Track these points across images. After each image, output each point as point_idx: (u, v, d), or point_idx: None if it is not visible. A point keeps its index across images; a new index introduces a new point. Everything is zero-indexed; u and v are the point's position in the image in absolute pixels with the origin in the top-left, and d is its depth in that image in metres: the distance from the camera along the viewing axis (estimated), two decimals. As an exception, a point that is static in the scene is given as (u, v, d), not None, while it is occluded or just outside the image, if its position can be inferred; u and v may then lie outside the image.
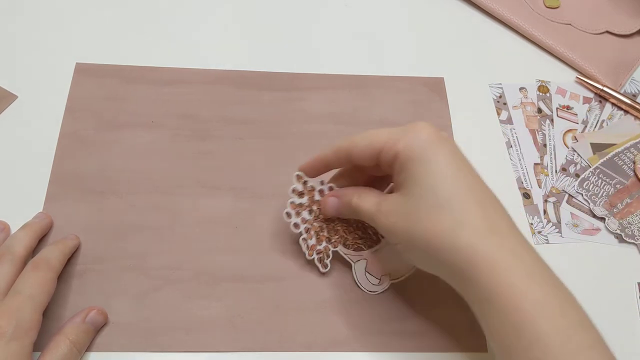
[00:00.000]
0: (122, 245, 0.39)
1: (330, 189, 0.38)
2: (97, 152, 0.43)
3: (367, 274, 0.39)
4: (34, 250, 0.37)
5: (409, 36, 0.53)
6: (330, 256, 0.39)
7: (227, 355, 0.36)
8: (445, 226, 0.30)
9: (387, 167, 0.33)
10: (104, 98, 0.45)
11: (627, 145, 0.47)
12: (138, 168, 0.42)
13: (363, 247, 0.39)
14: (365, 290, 0.39)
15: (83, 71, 0.47)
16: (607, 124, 0.49)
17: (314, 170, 0.37)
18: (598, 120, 0.49)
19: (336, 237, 0.39)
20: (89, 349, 0.35)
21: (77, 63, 0.47)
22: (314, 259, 0.38)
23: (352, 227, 0.39)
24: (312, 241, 0.38)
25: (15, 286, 0.33)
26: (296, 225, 0.38)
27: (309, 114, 0.46)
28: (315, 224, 0.39)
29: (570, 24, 0.53)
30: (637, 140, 0.47)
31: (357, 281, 0.39)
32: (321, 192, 0.38)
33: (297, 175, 0.38)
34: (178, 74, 0.47)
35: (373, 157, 0.33)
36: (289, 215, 0.38)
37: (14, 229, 0.39)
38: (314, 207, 0.38)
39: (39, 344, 0.33)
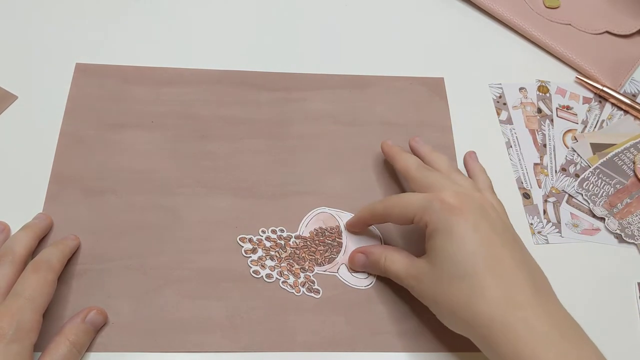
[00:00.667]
0: (122, 245, 0.39)
1: (273, 231, 0.40)
2: (97, 152, 0.43)
3: (352, 274, 0.40)
4: (34, 251, 0.37)
5: (409, 36, 0.53)
6: (315, 281, 0.39)
7: (227, 355, 0.36)
8: (464, 295, 0.32)
9: (422, 231, 0.36)
10: (104, 98, 0.45)
11: (627, 145, 0.47)
12: (138, 168, 0.42)
13: (334, 256, 0.40)
14: (362, 288, 0.39)
15: (83, 71, 0.47)
16: (607, 124, 0.49)
17: (355, 229, 0.41)
18: (598, 121, 0.49)
19: (307, 263, 0.40)
20: (88, 349, 0.35)
21: (77, 63, 0.47)
22: (303, 293, 0.39)
23: (313, 247, 0.40)
24: (291, 280, 0.39)
25: (16, 288, 0.33)
26: (269, 276, 0.39)
27: (309, 114, 0.46)
28: (282, 264, 0.39)
29: (570, 24, 0.53)
30: (637, 140, 0.47)
31: (349, 285, 0.39)
32: (267, 238, 0.40)
33: (241, 238, 0.40)
34: (178, 74, 0.47)
35: (408, 222, 0.36)
36: (257, 272, 0.39)
37: (14, 229, 0.39)
38: (272, 252, 0.39)
39: (39, 344, 0.33)
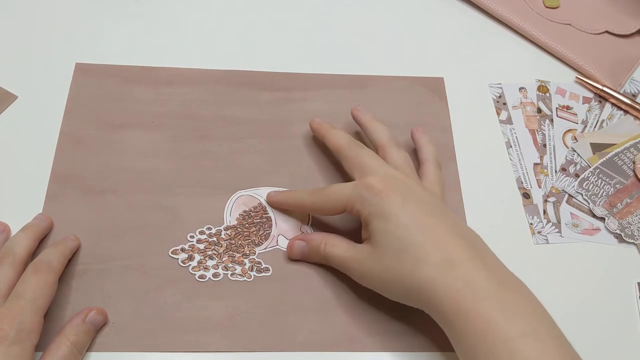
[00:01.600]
0: (122, 245, 0.39)
1: (202, 232, 0.40)
2: (97, 152, 0.43)
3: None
4: (34, 252, 0.37)
5: (409, 36, 0.53)
6: (261, 261, 0.39)
7: (227, 355, 0.36)
8: (407, 267, 0.34)
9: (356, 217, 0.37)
10: (104, 98, 0.45)
11: (627, 145, 0.47)
12: (138, 168, 0.42)
13: (268, 231, 0.41)
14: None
15: (83, 71, 0.47)
16: (607, 124, 0.49)
17: (275, 205, 0.42)
18: (598, 120, 0.49)
19: (246, 248, 0.40)
20: (89, 349, 0.35)
21: (77, 63, 0.47)
22: (254, 276, 0.39)
23: (245, 231, 0.40)
24: (238, 269, 0.39)
25: (16, 289, 0.33)
26: (216, 275, 0.39)
27: (309, 114, 0.46)
28: (223, 259, 0.39)
29: (570, 24, 0.53)
30: (636, 140, 0.47)
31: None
32: (199, 240, 0.40)
33: (173, 251, 0.39)
34: (178, 74, 0.47)
35: (336, 214, 0.38)
36: (203, 276, 0.39)
37: (14, 230, 0.39)
38: (208, 252, 0.39)
39: (40, 345, 0.33)
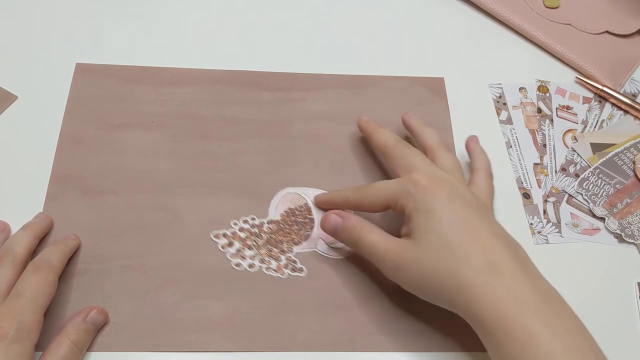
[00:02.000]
0: (122, 245, 0.39)
1: (245, 221, 0.40)
2: (97, 152, 0.43)
3: (331, 245, 0.40)
4: (34, 251, 0.37)
5: (409, 36, 0.53)
6: (297, 260, 0.39)
7: (227, 355, 0.36)
8: (448, 266, 0.33)
9: (398, 214, 0.37)
10: (104, 98, 0.45)
11: (627, 145, 0.47)
12: (138, 168, 0.42)
13: (309, 232, 0.40)
14: (342, 257, 0.40)
15: (83, 71, 0.47)
16: (607, 124, 0.49)
17: (324, 206, 0.41)
18: (598, 120, 0.49)
19: (284, 245, 0.40)
20: (89, 348, 0.35)
21: (77, 63, 0.47)
22: (288, 274, 0.39)
23: (287, 228, 0.40)
24: (273, 264, 0.39)
25: (16, 288, 0.33)
26: (251, 266, 0.39)
27: (309, 114, 0.46)
28: (261, 251, 0.39)
29: (570, 24, 0.53)
30: (636, 140, 0.47)
31: (330, 257, 0.40)
32: (241, 229, 0.40)
33: (215, 235, 0.39)
34: (178, 74, 0.47)
35: (382, 209, 0.37)
36: (239, 264, 0.39)
37: (14, 229, 0.39)
38: (248, 242, 0.39)
39: (40, 344, 0.33)
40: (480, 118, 0.48)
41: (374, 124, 0.42)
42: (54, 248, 0.37)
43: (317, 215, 0.41)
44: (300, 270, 0.39)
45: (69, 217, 0.40)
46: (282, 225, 0.41)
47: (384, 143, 0.40)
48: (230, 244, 0.39)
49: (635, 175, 0.46)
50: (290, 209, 0.41)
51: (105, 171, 0.42)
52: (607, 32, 0.53)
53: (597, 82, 0.50)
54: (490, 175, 0.41)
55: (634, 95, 0.51)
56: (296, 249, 0.40)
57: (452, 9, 0.55)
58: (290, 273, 0.39)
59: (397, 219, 0.37)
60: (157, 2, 0.52)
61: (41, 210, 0.40)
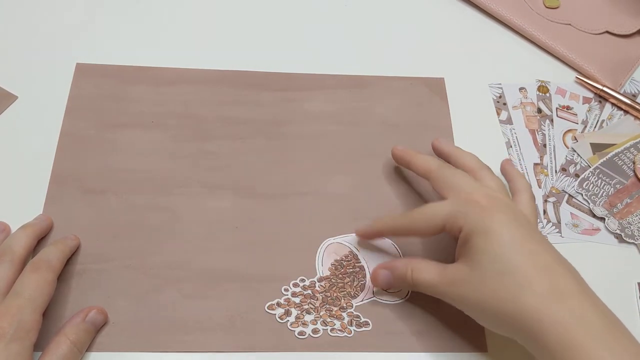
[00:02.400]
0: (122, 245, 0.39)
1: (295, 285, 0.39)
2: (97, 152, 0.43)
3: (388, 291, 0.39)
4: (33, 251, 0.37)
5: (409, 36, 0.53)
6: (359, 315, 0.38)
7: (227, 355, 0.36)
8: (510, 291, 0.32)
9: (452, 237, 0.36)
10: (104, 98, 0.45)
11: (627, 145, 0.47)
12: (138, 168, 0.42)
13: (363, 281, 0.39)
14: (402, 300, 0.39)
15: (83, 71, 0.47)
16: (607, 124, 0.49)
17: (368, 238, 0.40)
18: (598, 121, 0.49)
19: (342, 301, 0.39)
20: (89, 348, 0.35)
21: (77, 63, 0.47)
22: (354, 331, 0.38)
23: (340, 282, 0.39)
24: (337, 324, 0.38)
25: (15, 288, 0.33)
26: (315, 331, 0.37)
27: (309, 114, 0.46)
28: (321, 313, 0.38)
29: (570, 24, 0.53)
30: (637, 140, 0.47)
31: (390, 303, 0.39)
32: (294, 294, 0.38)
33: (269, 306, 0.38)
34: (178, 74, 0.47)
35: (435, 233, 0.36)
36: (302, 333, 0.37)
37: (14, 229, 0.39)
38: (305, 306, 0.38)
39: (40, 344, 0.33)
40: (480, 118, 0.48)
41: (411, 151, 0.41)
42: (53, 248, 0.37)
43: (364, 261, 0.40)
44: (366, 324, 0.38)
45: (69, 217, 0.40)
46: (333, 281, 0.39)
47: (427, 168, 0.39)
48: (288, 313, 0.38)
49: (635, 175, 0.45)
50: (336, 260, 0.40)
51: (105, 171, 0.42)
52: (607, 32, 0.53)
53: (597, 82, 0.50)
54: (533, 198, 0.39)
55: (634, 96, 0.51)
56: (355, 302, 0.38)
57: (452, 9, 0.55)
58: (357, 329, 0.38)
59: (438, 241, 0.37)
60: (157, 2, 0.52)
61: (41, 211, 0.40)
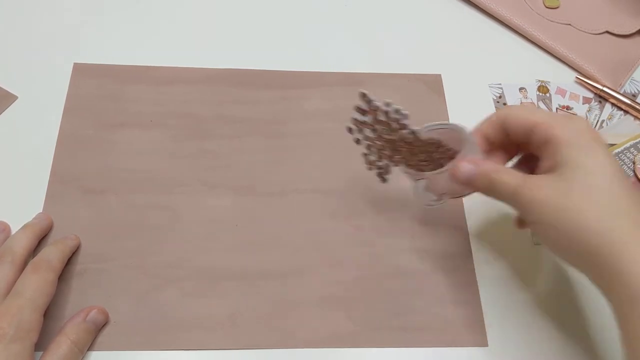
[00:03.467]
0: (122, 244, 0.39)
1: (397, 111, 0.34)
2: (96, 152, 0.43)
3: (426, 191, 0.38)
4: (34, 251, 0.37)
5: (409, 37, 0.52)
6: (390, 172, 0.38)
7: (228, 352, 0.36)
8: (600, 210, 0.29)
9: (536, 147, 0.33)
10: (103, 98, 0.45)
11: (627, 145, 0.47)
12: (137, 167, 0.42)
13: (424, 170, 0.37)
14: (424, 205, 0.38)
15: (81, 71, 0.47)
16: (607, 124, 0.49)
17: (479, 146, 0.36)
18: (598, 121, 0.49)
19: (398, 157, 0.37)
20: (90, 347, 0.35)
21: (75, 63, 0.47)
22: (373, 171, 0.37)
23: (416, 151, 0.37)
24: (373, 157, 0.37)
25: (16, 288, 0.33)
26: (358, 141, 0.37)
27: (307, 111, 0.46)
28: (377, 142, 0.37)
29: (570, 24, 0.53)
30: (637, 140, 0.47)
31: (416, 196, 0.38)
32: (386, 113, 0.35)
33: (362, 93, 0.35)
34: (176, 73, 0.47)
35: (526, 129, 0.33)
36: (350, 130, 0.36)
37: (14, 229, 0.39)
38: (377, 127, 0.36)
39: (41, 344, 0.33)
40: (480, 118, 0.48)
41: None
42: (53, 248, 0.37)
43: (445, 169, 0.36)
44: (384, 180, 0.39)
45: (69, 217, 0.40)
46: (414, 145, 0.36)
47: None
48: (364, 113, 0.35)
49: (635, 175, 0.45)
50: (439, 141, 0.36)
51: (104, 171, 0.42)
52: (607, 32, 0.53)
53: (597, 82, 0.50)
54: None
55: (634, 96, 0.51)
56: (401, 167, 0.37)
57: (452, 9, 0.55)
58: (376, 175, 0.39)
59: None
60: (155, 2, 0.52)
61: (41, 210, 0.40)
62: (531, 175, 0.32)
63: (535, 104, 0.49)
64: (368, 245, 0.41)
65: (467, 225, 0.42)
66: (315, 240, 0.41)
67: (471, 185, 0.35)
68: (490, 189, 0.33)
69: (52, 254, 0.36)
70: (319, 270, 0.39)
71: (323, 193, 0.43)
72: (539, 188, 0.31)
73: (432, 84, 0.49)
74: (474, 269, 0.40)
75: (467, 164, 0.34)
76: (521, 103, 0.49)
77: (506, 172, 0.33)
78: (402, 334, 0.38)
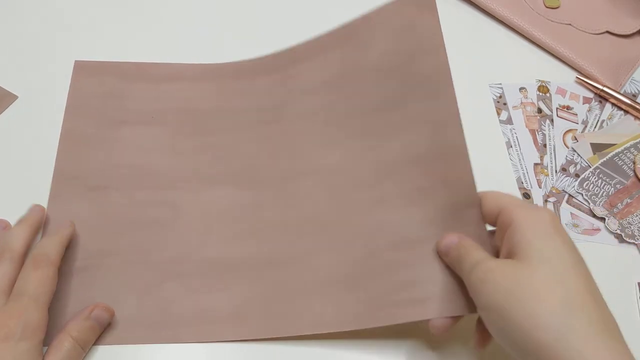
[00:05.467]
0: (125, 240, 0.39)
1: None
2: (98, 149, 0.43)
3: None
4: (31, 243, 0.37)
5: (409, 36, 0.52)
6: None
7: (233, 344, 0.36)
8: (555, 302, 0.28)
9: (500, 231, 0.33)
10: (104, 95, 0.45)
11: (627, 145, 0.47)
12: (140, 164, 0.42)
13: None
14: None
15: (82, 69, 0.46)
16: (607, 124, 0.49)
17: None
18: (598, 121, 0.49)
19: None
20: (95, 342, 0.35)
21: (75, 61, 0.47)
22: None
23: None
24: None
25: (18, 287, 0.33)
26: None
27: (303, 90, 0.44)
28: None
29: (570, 24, 0.53)
30: (637, 140, 0.48)
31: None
32: None
33: None
34: (176, 70, 0.47)
35: (495, 213, 0.33)
36: None
37: (14, 229, 0.39)
38: None
39: (44, 341, 0.33)
40: (480, 118, 0.48)
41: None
42: (50, 239, 0.36)
43: None
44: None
45: (73, 215, 0.40)
46: None
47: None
48: None
49: (636, 175, 0.46)
50: None
51: (107, 168, 0.42)
52: (607, 32, 0.53)
53: (598, 82, 0.50)
54: None
55: (634, 95, 0.51)
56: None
57: (452, 8, 0.55)
58: None
59: None
60: None
61: (45, 209, 0.40)
62: (491, 257, 0.31)
63: (536, 103, 0.49)
64: (373, 218, 0.39)
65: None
66: (319, 222, 0.40)
67: (446, 255, 0.34)
68: (458, 262, 0.33)
69: (49, 246, 0.36)
70: (324, 253, 0.38)
71: (325, 171, 0.41)
72: (492, 270, 0.30)
73: (424, 4, 0.44)
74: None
75: (453, 236, 0.34)
76: (521, 103, 0.49)
77: (476, 248, 0.32)
78: (410, 307, 0.35)
